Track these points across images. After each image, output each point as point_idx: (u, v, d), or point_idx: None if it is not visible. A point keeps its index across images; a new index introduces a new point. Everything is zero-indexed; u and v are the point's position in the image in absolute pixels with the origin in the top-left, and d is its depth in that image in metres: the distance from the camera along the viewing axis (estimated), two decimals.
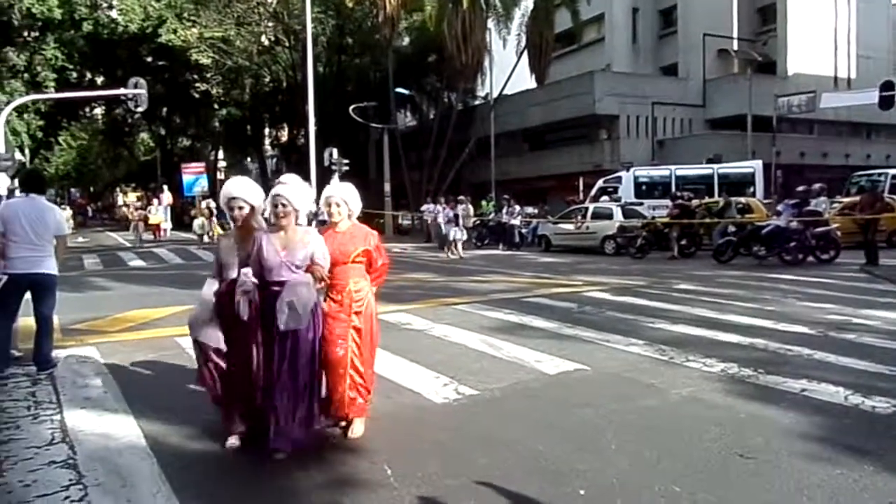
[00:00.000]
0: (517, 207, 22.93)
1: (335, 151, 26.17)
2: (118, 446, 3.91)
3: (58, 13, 28.86)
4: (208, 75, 35.75)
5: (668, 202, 18.62)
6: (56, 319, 5.85)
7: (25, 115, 29.57)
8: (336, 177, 26.22)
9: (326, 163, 25.96)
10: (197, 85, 37.18)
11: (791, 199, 14.75)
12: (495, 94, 32.27)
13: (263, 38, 35.62)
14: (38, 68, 29.93)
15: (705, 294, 9.96)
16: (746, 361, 5.67)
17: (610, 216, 19.21)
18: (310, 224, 4.56)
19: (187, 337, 4.25)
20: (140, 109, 21.50)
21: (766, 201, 20.10)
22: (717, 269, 13.75)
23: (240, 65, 34.42)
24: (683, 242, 17.02)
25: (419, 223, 29.07)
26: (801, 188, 14.85)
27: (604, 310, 8.64)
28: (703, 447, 3.82)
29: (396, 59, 32.17)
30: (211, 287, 3.96)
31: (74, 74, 32.43)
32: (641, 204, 21.33)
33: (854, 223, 14.42)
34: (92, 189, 74.13)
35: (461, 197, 22.55)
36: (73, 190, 70.77)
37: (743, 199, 18.80)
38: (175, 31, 32.01)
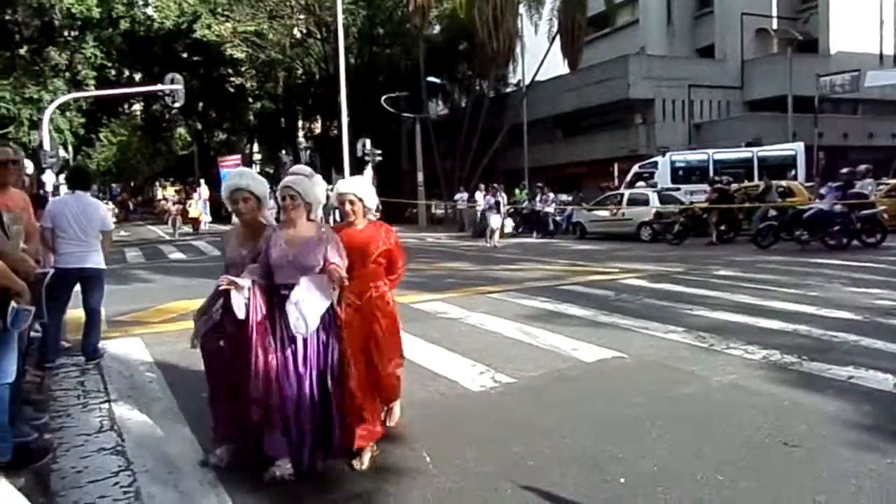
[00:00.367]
0: (551, 195, 22.77)
1: (368, 142, 26.30)
2: (164, 434, 4.01)
3: (96, 12, 29.44)
4: (242, 69, 36.15)
5: (705, 187, 18.31)
6: (102, 311, 6.01)
7: (67, 113, 30.32)
8: (369, 167, 26.41)
9: (359, 154, 26.12)
10: (231, 79, 37.66)
11: (835, 181, 14.35)
12: (527, 81, 31.98)
13: (296, 31, 35.87)
14: (79, 67, 30.65)
15: (746, 280, 9.77)
16: (789, 348, 5.55)
17: (646, 202, 18.94)
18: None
19: None
20: (177, 105, 21.86)
21: (808, 184, 19.59)
22: (758, 255, 13.46)
23: (273, 58, 34.72)
24: (722, 228, 16.71)
25: (452, 212, 29.07)
26: (845, 170, 14.40)
27: (641, 297, 8.54)
28: (745, 435, 3.75)
29: (427, 48, 32.09)
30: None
31: (113, 72, 33.14)
32: (678, 189, 21.00)
33: None
34: (132, 184, 75.83)
35: (494, 185, 22.44)
36: (114, 185, 72.47)
37: (784, 183, 18.33)
38: (209, 27, 32.43)
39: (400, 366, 3.84)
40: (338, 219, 4.02)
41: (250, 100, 39.76)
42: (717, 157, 22.88)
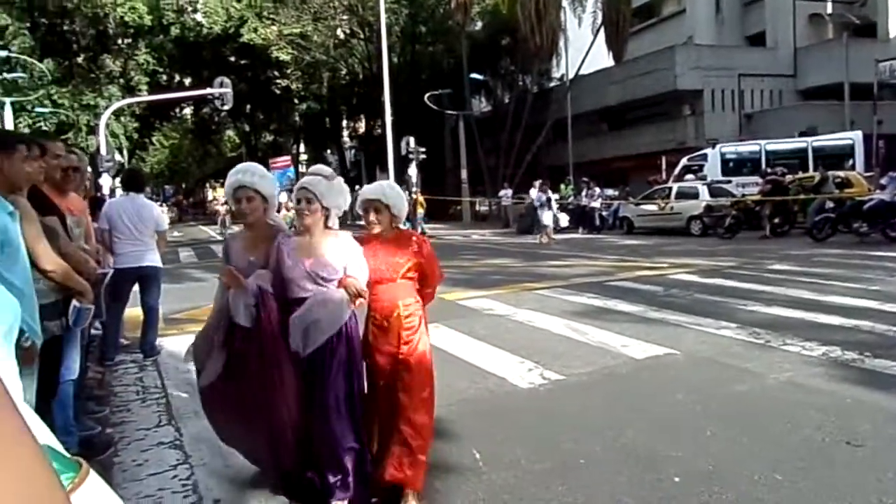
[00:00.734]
0: (597, 190, 22.49)
1: (412, 140, 26.40)
2: None
3: (147, 20, 30.40)
4: (288, 71, 36.74)
5: (757, 179, 17.81)
6: (160, 309, 6.20)
7: (122, 118, 31.42)
8: (413, 165, 26.53)
9: (403, 152, 26.24)
10: (278, 81, 38.32)
11: None
12: (571, 75, 31.62)
13: (339, 32, 36.27)
14: (132, 73, 31.71)
15: (802, 274, 9.47)
16: (850, 345, 5.36)
17: (696, 195, 18.52)
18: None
19: None
20: (226, 108, 22.34)
21: (867, 174, 18.82)
22: (814, 248, 13.03)
23: (317, 59, 35.19)
24: (776, 221, 16.22)
25: (496, 209, 28.98)
26: None
27: (692, 292, 8.36)
28: (804, 434, 3.64)
29: (470, 45, 32.04)
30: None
31: (165, 77, 34.15)
32: (729, 182, 20.47)
33: None
34: (183, 185, 77.97)
35: (536, 182, 22.25)
36: (167, 187, 74.63)
37: (841, 173, 17.66)
38: (256, 30, 33.06)
39: (431, 405, 3.16)
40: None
41: (296, 101, 40.40)
42: (770, 147, 22.21)
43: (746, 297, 7.73)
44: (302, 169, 45.58)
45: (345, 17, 35.33)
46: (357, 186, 32.43)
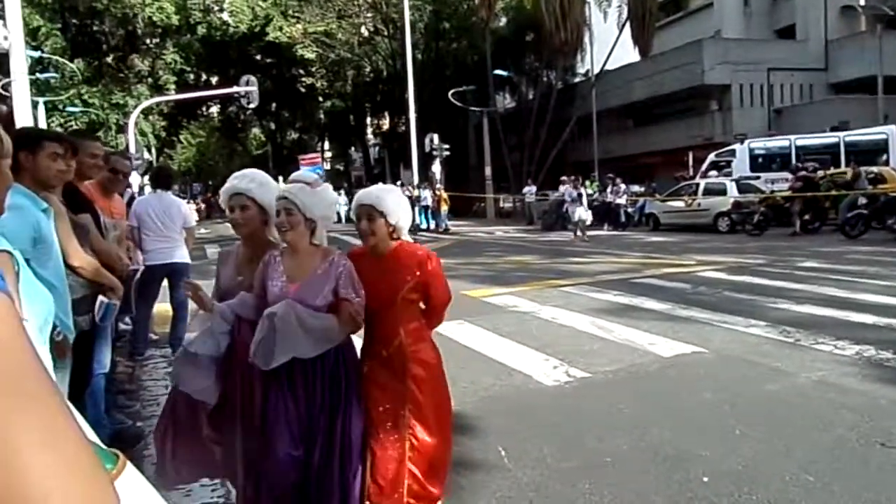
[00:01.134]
0: (622, 186, 22.28)
1: (436, 137, 26.43)
2: None
3: (175, 19, 30.84)
4: (313, 69, 37.02)
5: (787, 175, 17.49)
6: (189, 305, 6.27)
7: (150, 117, 31.94)
8: (437, 162, 26.57)
9: (427, 149, 26.31)
10: (302, 79, 38.63)
11: None
12: (596, 70, 31.36)
13: (363, 29, 36.44)
14: (160, 72, 32.21)
15: (834, 272, 9.28)
16: (885, 343, 5.24)
17: (723, 192, 18.27)
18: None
19: None
20: (252, 106, 22.61)
21: None
22: (846, 245, 12.77)
23: (342, 57, 35.40)
24: (807, 217, 15.92)
25: (520, 205, 28.90)
26: None
27: (720, 290, 8.24)
28: (837, 434, 3.56)
29: (494, 41, 31.94)
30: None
31: (192, 76, 34.63)
32: (758, 178, 20.14)
33: None
34: (210, 183, 79.03)
35: (563, 178, 22.11)
36: (195, 185, 75.68)
37: (875, 169, 17.25)
38: (281, 29, 33.36)
39: (448, 446, 2.72)
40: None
41: (320, 99, 40.69)
42: (800, 143, 21.79)
43: (776, 295, 7.60)
44: (326, 166, 45.91)
45: (369, 15, 35.50)
46: (380, 184, 32.58)
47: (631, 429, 3.78)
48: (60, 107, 28.84)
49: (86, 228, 3.24)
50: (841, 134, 21.89)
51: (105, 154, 4.10)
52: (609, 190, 22.08)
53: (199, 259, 15.93)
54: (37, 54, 25.78)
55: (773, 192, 17.77)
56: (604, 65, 30.48)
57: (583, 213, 18.03)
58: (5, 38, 10.11)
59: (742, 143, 22.65)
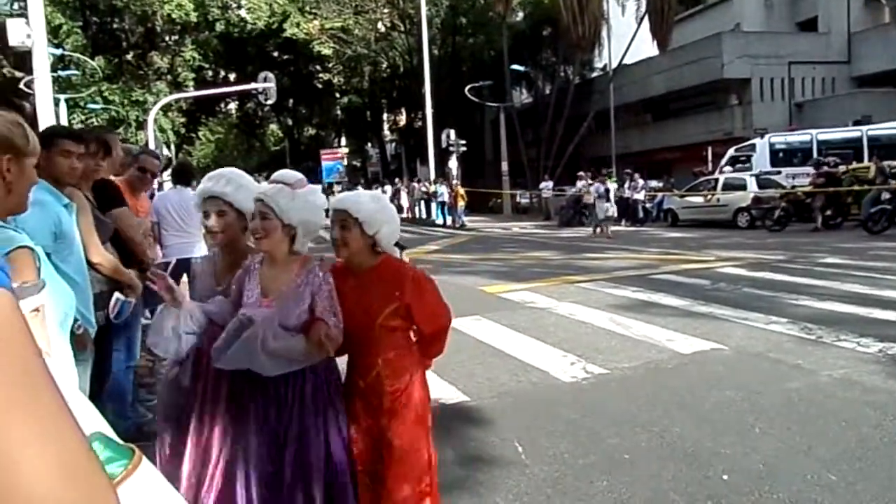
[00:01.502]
0: (640, 181, 22.13)
1: (452, 133, 26.39)
2: None
3: (193, 16, 31.07)
4: (330, 65, 37.13)
5: (809, 170, 17.24)
6: None
7: (169, 114, 32.21)
8: (454, 157, 26.53)
9: (444, 144, 26.27)
10: (320, 75, 38.77)
11: None
12: (614, 65, 31.10)
13: (380, 25, 36.45)
14: (179, 69, 32.50)
15: (856, 268, 9.14)
16: None
17: (743, 187, 18.07)
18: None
19: None
20: (269, 102, 22.71)
21: None
22: (869, 241, 12.57)
23: (359, 53, 35.44)
24: (828, 213, 15.69)
25: (537, 201, 28.78)
26: None
27: (740, 286, 8.15)
28: (860, 433, 3.51)
29: (511, 36, 31.79)
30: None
31: (210, 73, 34.91)
32: (779, 173, 19.88)
33: None
34: None
35: (580, 173, 22.00)
36: None
37: None
38: (298, 25, 33.47)
39: (426, 495, 2.29)
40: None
41: (337, 95, 40.82)
42: (822, 137, 21.47)
43: (797, 292, 7.51)
44: (344, 162, 46.06)
45: (385, 11, 35.48)
46: (396, 180, 32.64)
47: (649, 426, 3.75)
48: (82, 104, 29.18)
49: (109, 226, 3.27)
50: (864, 128, 21.54)
51: (133, 154, 4.14)
52: (627, 185, 21.92)
53: None
54: (58, 52, 26.08)
55: (793, 187, 17.54)
56: (622, 59, 30.23)
57: (609, 210, 17.79)
58: (28, 37, 10.24)
59: (762, 137, 22.38)
